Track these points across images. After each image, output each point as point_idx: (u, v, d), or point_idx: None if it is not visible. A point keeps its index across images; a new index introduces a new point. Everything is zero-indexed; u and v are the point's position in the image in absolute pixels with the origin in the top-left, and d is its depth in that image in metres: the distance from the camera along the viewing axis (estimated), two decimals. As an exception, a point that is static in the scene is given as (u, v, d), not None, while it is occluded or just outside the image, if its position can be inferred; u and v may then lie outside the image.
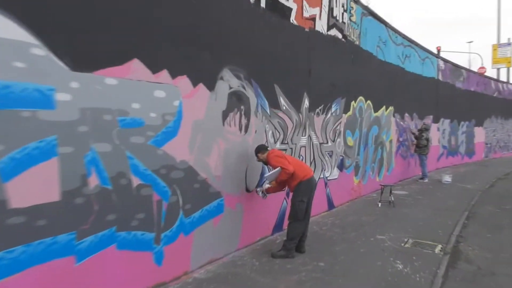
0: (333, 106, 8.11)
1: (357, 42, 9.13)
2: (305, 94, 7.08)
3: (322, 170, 7.78)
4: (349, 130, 8.87)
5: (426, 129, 13.00)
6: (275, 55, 6.22)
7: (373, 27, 10.06)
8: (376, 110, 10.45)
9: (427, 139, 12.78)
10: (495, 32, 32.80)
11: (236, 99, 5.34)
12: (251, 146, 5.59)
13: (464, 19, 79.30)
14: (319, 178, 7.65)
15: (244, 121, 5.50)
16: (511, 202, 9.40)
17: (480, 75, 19.97)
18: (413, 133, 13.03)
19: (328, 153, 7.98)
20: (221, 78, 5.06)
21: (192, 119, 4.61)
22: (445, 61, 16.34)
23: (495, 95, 21.30)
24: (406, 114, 12.87)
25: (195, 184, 4.68)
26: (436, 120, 15.45)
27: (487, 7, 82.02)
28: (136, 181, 3.93)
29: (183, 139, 4.49)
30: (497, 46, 31.62)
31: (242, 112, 5.46)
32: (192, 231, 4.67)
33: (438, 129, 15.76)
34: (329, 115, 7.96)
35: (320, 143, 7.69)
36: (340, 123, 8.42)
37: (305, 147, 7.15)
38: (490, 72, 29.49)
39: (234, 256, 5.28)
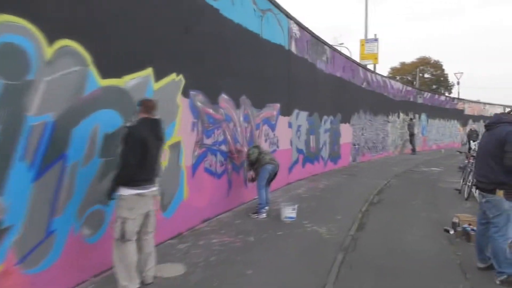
0: None
1: None
2: None
3: None
4: None
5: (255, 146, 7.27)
6: None
7: None
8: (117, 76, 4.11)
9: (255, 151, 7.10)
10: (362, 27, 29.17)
11: None
12: None
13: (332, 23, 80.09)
14: None
15: None
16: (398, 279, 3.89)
17: (348, 58, 15.31)
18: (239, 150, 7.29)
19: None
20: None
21: None
22: (301, 26, 10.91)
23: (363, 85, 17.00)
24: (224, 96, 6.84)
25: None
26: (285, 111, 9.89)
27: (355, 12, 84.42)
28: None
29: None
30: (365, 42, 28.54)
31: None
32: None
33: (290, 125, 10.26)
34: None
35: None
36: None
37: None
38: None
39: None
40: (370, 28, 27.89)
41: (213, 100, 6.47)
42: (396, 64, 50.60)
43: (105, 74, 4.04)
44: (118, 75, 4.28)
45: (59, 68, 3.51)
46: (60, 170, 3.52)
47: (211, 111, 6.40)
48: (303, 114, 11.09)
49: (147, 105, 3.76)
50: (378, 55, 27.64)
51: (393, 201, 8.42)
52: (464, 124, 30.55)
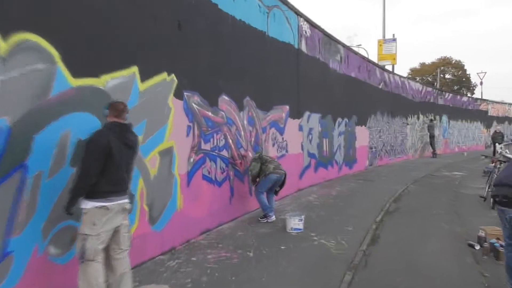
0: None
1: None
2: None
3: None
4: None
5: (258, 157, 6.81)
6: None
7: None
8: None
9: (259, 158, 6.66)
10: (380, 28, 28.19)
11: None
12: None
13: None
14: None
15: None
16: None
17: (364, 58, 14.60)
18: (243, 155, 6.84)
19: None
20: None
21: None
22: (312, 24, 10.33)
23: (380, 86, 16.24)
24: (224, 97, 6.34)
25: None
26: (295, 114, 9.31)
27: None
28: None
29: None
30: (383, 42, 27.67)
31: None
32: None
33: (301, 128, 9.67)
34: None
35: None
36: None
37: None
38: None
39: None
40: (387, 29, 26.95)
41: (212, 101, 5.97)
42: (415, 65, 49.18)
43: (77, 73, 3.58)
44: (95, 74, 3.81)
45: (17, 65, 3.06)
46: (18, 182, 3.06)
47: (209, 113, 5.90)
48: (315, 117, 10.48)
49: (116, 108, 3.27)
50: (396, 56, 26.71)
51: (411, 210, 7.73)
52: (488, 126, 29.22)
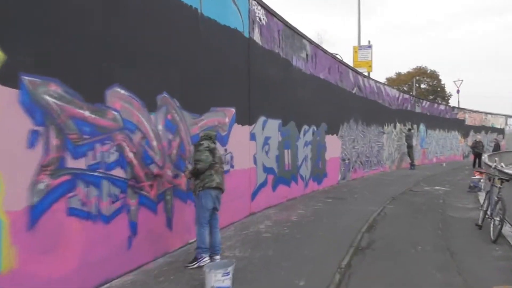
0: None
1: None
2: None
3: None
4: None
5: (208, 137, 4.71)
6: None
7: None
8: None
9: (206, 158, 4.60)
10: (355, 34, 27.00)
11: None
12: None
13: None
14: None
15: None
16: None
17: (335, 58, 12.72)
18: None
19: None
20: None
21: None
22: (270, 12, 8.36)
23: (354, 91, 14.42)
24: (119, 90, 4.22)
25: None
26: (245, 119, 7.27)
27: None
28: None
29: None
30: (358, 48, 26.18)
31: None
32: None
33: (254, 137, 7.64)
34: None
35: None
36: None
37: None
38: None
39: None
40: (362, 39, 25.48)
41: (92, 95, 3.86)
42: (391, 74, 48.24)
43: None
44: None
45: None
46: None
47: (86, 113, 3.78)
48: (274, 123, 8.48)
49: None
50: (372, 63, 25.14)
51: (389, 245, 5.75)
52: (465, 135, 27.93)
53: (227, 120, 6.60)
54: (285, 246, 5.53)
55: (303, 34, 10.19)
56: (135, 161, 4.45)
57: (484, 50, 78.49)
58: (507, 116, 34.90)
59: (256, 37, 7.72)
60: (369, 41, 26.36)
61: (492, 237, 5.83)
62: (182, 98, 5.35)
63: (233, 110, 6.79)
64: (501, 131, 33.07)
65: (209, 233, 4.76)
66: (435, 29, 76.28)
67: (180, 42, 5.38)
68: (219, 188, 4.75)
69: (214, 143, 4.90)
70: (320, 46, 11.53)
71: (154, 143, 4.80)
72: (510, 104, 69.16)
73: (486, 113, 31.50)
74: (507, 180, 6.09)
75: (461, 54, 73.21)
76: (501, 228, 5.71)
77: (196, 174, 4.66)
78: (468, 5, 78.21)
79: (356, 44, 25.68)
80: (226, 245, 5.44)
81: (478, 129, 29.55)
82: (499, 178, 6.21)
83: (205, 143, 4.69)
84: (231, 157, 6.76)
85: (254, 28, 7.63)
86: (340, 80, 12.92)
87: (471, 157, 20.40)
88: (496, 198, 6.03)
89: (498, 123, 33.31)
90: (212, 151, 4.70)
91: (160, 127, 4.91)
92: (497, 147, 22.92)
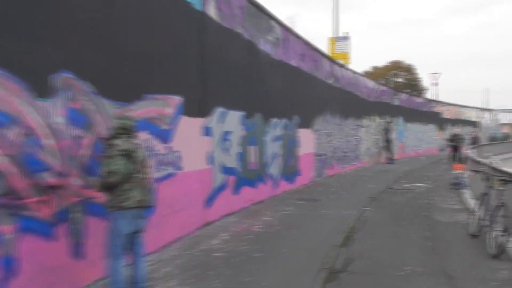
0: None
1: None
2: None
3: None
4: None
5: (123, 130, 3.33)
6: None
7: None
8: None
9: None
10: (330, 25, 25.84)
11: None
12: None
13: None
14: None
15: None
16: None
17: (309, 44, 11.44)
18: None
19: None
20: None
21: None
22: (228, -17, 7.00)
23: (330, 82, 13.24)
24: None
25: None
26: (196, 110, 5.92)
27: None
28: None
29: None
30: (335, 40, 25.04)
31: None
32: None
33: (209, 132, 6.30)
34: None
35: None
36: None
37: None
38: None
39: None
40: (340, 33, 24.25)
41: None
42: (368, 68, 47.63)
43: None
44: None
45: None
46: None
47: None
48: (235, 115, 7.15)
49: None
50: (349, 55, 24.05)
51: (370, 267, 4.53)
52: (441, 129, 27.31)
53: (169, 111, 5.22)
54: (238, 272, 4.23)
55: (272, 14, 8.88)
56: (11, 169, 3.05)
57: (461, 46, 79.11)
58: (482, 109, 34.71)
59: (212, 11, 6.35)
60: (347, 33, 25.26)
61: (491, 250, 4.70)
62: (98, 80, 3.96)
63: (178, 98, 5.42)
64: (476, 124, 32.78)
65: (131, 263, 3.45)
66: (411, 26, 76.29)
67: (95, 6, 3.98)
68: (141, 207, 3.42)
69: (134, 137, 3.53)
70: (292, 30, 10.25)
71: (48, 141, 3.39)
72: (481, 99, 70.13)
73: (461, 106, 31.09)
74: (511, 181, 4.96)
75: (439, 50, 73.57)
76: (506, 241, 4.58)
77: (107, 188, 3.30)
78: (446, 4, 78.54)
79: (331, 36, 24.54)
80: (160, 273, 4.12)
81: (454, 122, 29.07)
82: (500, 179, 5.07)
83: (118, 143, 3.32)
84: (178, 158, 5.40)
85: (209, 1, 6.26)
86: (315, 69, 11.70)
87: (448, 150, 19.56)
88: (497, 203, 4.89)
89: (474, 116, 33.02)
90: (129, 154, 3.34)
91: (58, 119, 3.51)
92: (475, 140, 22.25)
